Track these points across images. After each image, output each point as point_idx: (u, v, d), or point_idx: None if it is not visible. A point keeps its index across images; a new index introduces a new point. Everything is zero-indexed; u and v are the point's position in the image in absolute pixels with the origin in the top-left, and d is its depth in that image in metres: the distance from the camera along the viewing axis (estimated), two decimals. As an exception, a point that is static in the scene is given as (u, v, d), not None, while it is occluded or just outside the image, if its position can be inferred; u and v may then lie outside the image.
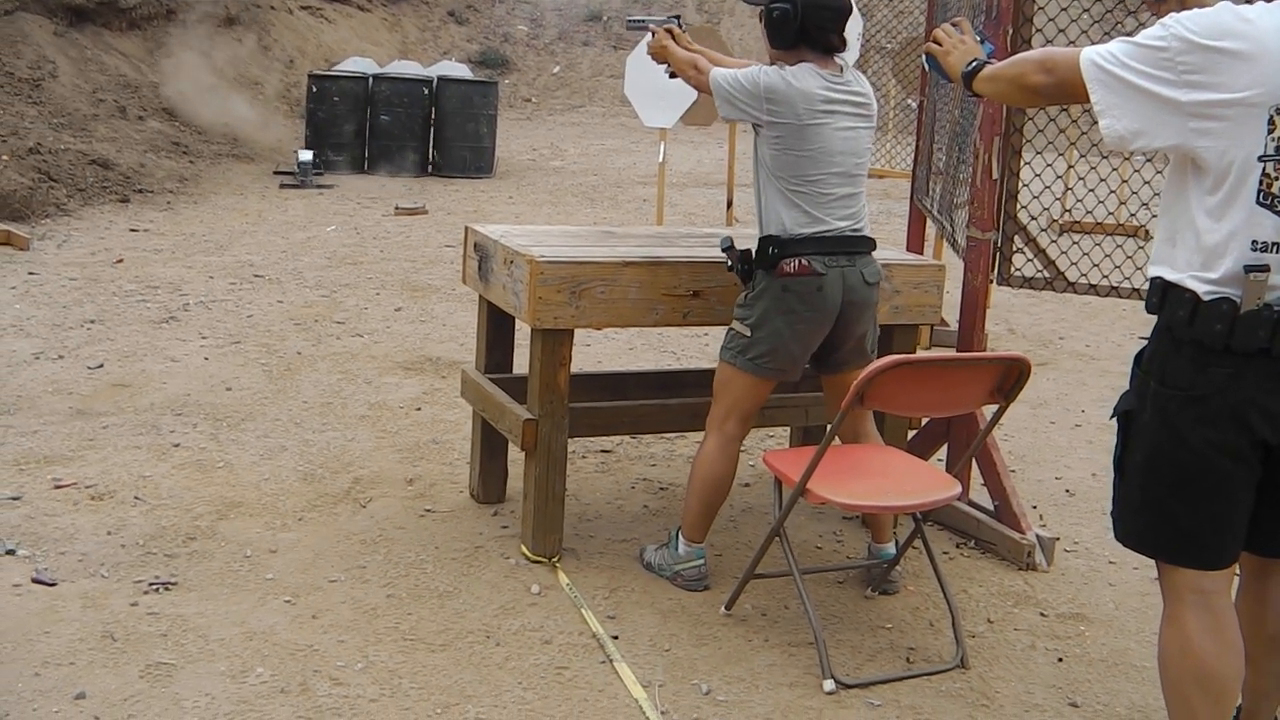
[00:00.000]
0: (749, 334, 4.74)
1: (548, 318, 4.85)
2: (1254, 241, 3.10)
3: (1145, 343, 3.40)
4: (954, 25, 4.09)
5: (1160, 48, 3.13)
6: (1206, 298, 3.14)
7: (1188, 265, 3.19)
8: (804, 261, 4.66)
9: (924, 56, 4.23)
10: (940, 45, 4.05)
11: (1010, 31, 5.66)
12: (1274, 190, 3.09)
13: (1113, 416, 3.49)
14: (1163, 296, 3.25)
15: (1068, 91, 3.37)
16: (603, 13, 30.07)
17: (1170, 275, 3.22)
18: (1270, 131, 3.06)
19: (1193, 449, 3.21)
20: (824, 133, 4.66)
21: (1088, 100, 3.29)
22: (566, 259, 4.90)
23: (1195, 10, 3.14)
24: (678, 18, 5.22)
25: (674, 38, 5.08)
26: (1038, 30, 6.26)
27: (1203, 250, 3.16)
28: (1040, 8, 6.16)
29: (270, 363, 7.77)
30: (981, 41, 4.10)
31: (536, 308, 4.83)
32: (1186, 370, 3.21)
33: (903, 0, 16.53)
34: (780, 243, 4.69)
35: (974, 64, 3.84)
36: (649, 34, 5.13)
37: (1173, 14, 3.16)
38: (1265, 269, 3.08)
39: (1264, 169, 3.08)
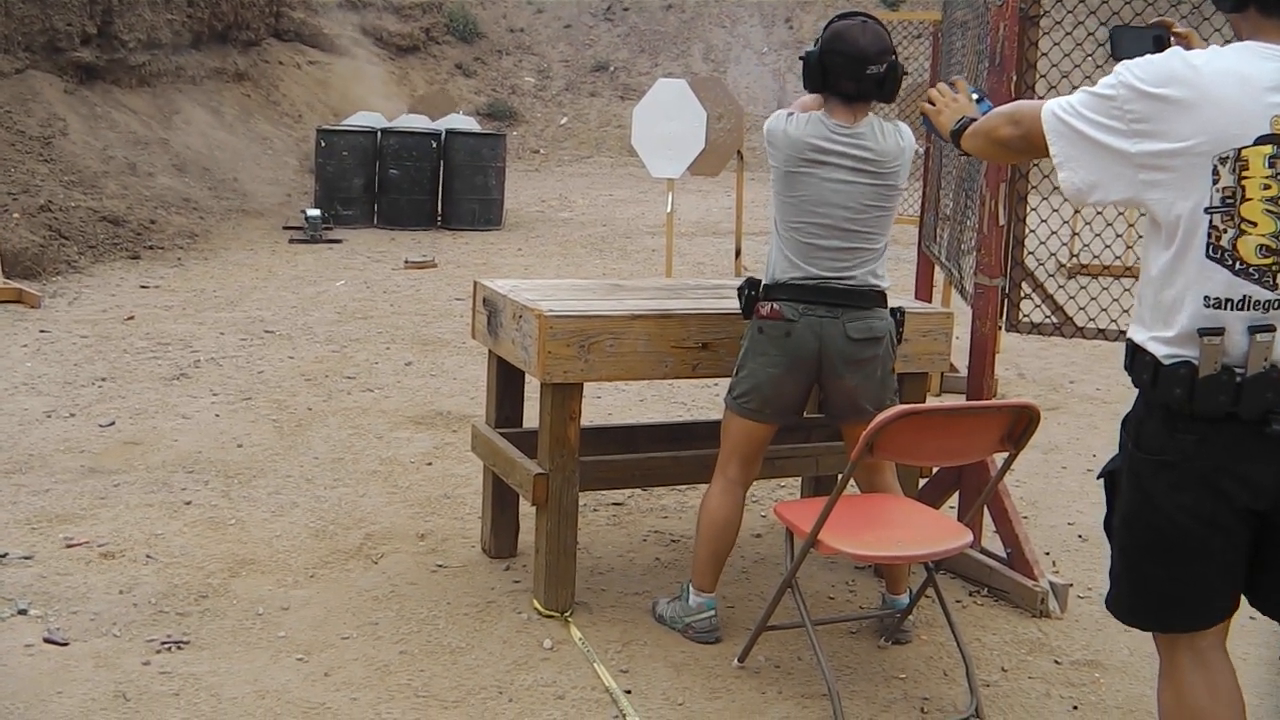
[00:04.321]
0: (735, 373, 4.84)
1: (557, 372, 4.86)
2: (1206, 297, 3.01)
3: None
4: (950, 84, 4.09)
5: (1110, 96, 3.08)
6: (1166, 361, 3.06)
7: (1151, 324, 3.12)
8: (775, 306, 4.72)
9: (920, 115, 4.24)
10: (934, 105, 4.05)
11: (1014, 78, 5.68)
12: (1223, 243, 2.99)
13: (1099, 477, 3.43)
14: (1132, 359, 3.19)
15: (1034, 144, 3.33)
16: (609, 63, 30.22)
17: (1138, 337, 3.16)
18: (1215, 182, 2.97)
19: (1167, 515, 3.12)
20: (809, 181, 4.69)
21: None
22: (575, 313, 4.92)
23: (1148, 57, 3.09)
24: None
25: None
26: (1041, 76, 6.28)
27: (1160, 308, 3.09)
28: (1044, 54, 6.17)
29: (281, 419, 7.78)
30: (980, 100, 4.07)
31: (546, 362, 4.84)
32: (1159, 434, 3.12)
33: (907, 47, 16.58)
34: (760, 286, 4.81)
35: (962, 122, 3.83)
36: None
37: (1125, 62, 3.10)
38: (1219, 332, 2.99)
39: (1211, 221, 2.99)
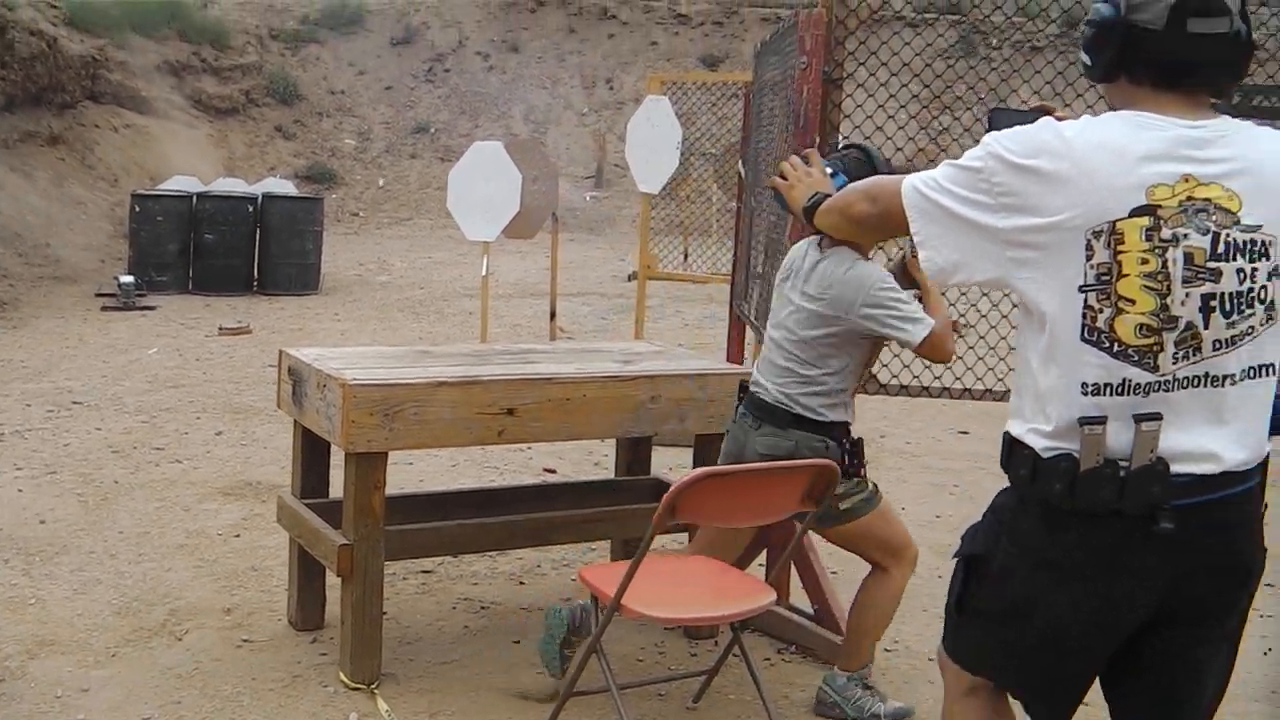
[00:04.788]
0: None
1: (361, 441, 4.82)
2: (1084, 384, 2.79)
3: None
4: (803, 157, 3.95)
5: (977, 169, 2.87)
6: (1045, 454, 2.85)
7: (1031, 416, 2.90)
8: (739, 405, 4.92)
9: (771, 191, 4.17)
10: (785, 180, 3.88)
11: (818, 140, 5.76)
12: (1099, 324, 2.77)
13: (954, 557, 3.18)
14: (1009, 454, 2.96)
15: (892, 222, 3.11)
16: (430, 125, 30.15)
17: (1015, 430, 2.94)
18: (1089, 258, 2.75)
19: (1045, 616, 2.92)
20: (777, 296, 4.86)
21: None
22: (379, 381, 4.89)
23: (1017, 128, 2.89)
24: None
25: None
26: (844, 137, 6.37)
27: (1039, 398, 2.88)
28: (846, 116, 6.28)
29: (86, 493, 7.61)
30: (835, 174, 3.94)
31: (349, 431, 4.80)
32: (1036, 531, 2.92)
33: (725, 105, 16.81)
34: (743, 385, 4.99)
35: (815, 198, 3.64)
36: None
37: (994, 133, 2.91)
38: (1100, 421, 2.78)
39: (1085, 300, 2.77)
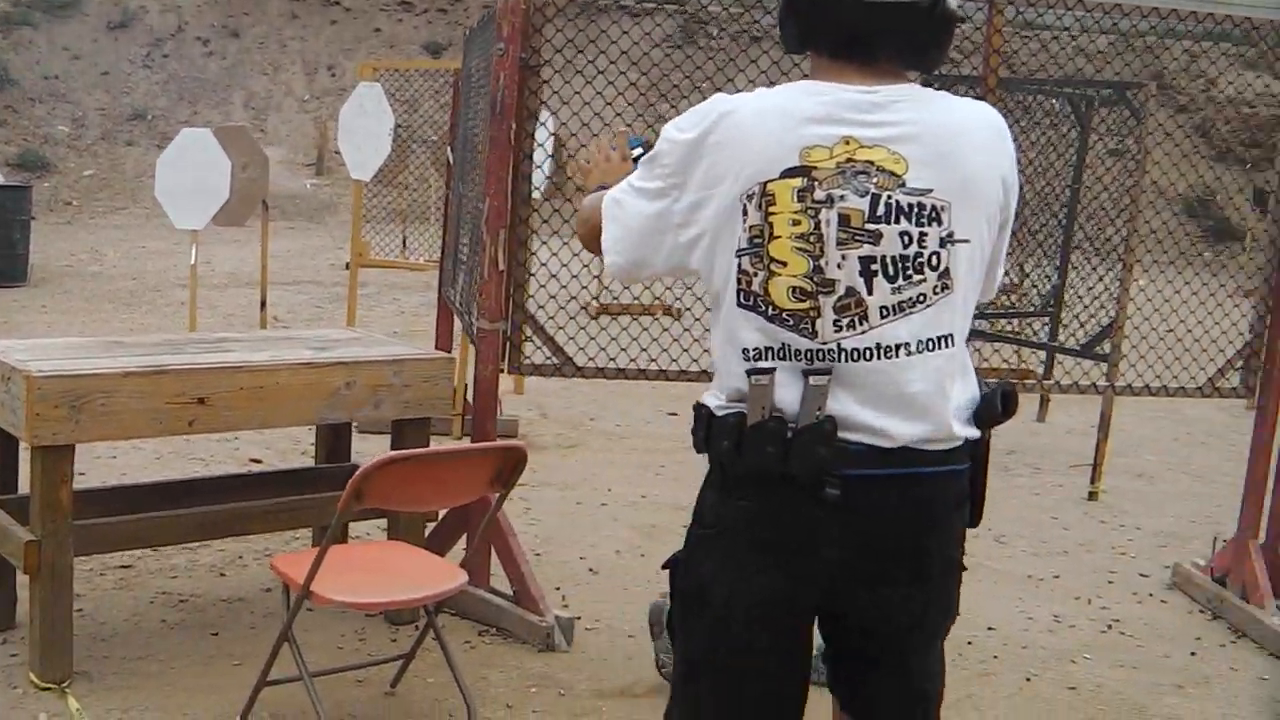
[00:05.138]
0: None
1: (46, 434, 4.73)
2: (744, 350, 2.71)
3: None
4: (612, 138, 3.64)
5: (654, 154, 2.81)
6: (719, 412, 2.74)
7: (716, 386, 2.80)
8: None
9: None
10: (587, 164, 3.57)
11: (514, 127, 5.81)
12: (754, 288, 2.68)
13: (664, 567, 2.99)
14: (694, 420, 2.83)
15: (598, 234, 2.98)
16: (148, 111, 29.47)
17: (703, 397, 2.83)
18: (744, 222, 2.66)
19: (721, 600, 2.78)
20: None
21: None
22: (65, 372, 4.80)
23: (695, 106, 2.80)
24: None
25: None
26: (541, 124, 6.44)
27: (718, 368, 2.79)
28: (543, 102, 6.34)
29: None
30: (639, 158, 3.44)
31: (34, 424, 4.70)
32: (716, 500, 2.80)
33: (447, 93, 16.78)
34: None
35: (598, 191, 3.26)
36: None
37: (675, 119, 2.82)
38: (769, 372, 2.67)
39: (740, 264, 2.69)
